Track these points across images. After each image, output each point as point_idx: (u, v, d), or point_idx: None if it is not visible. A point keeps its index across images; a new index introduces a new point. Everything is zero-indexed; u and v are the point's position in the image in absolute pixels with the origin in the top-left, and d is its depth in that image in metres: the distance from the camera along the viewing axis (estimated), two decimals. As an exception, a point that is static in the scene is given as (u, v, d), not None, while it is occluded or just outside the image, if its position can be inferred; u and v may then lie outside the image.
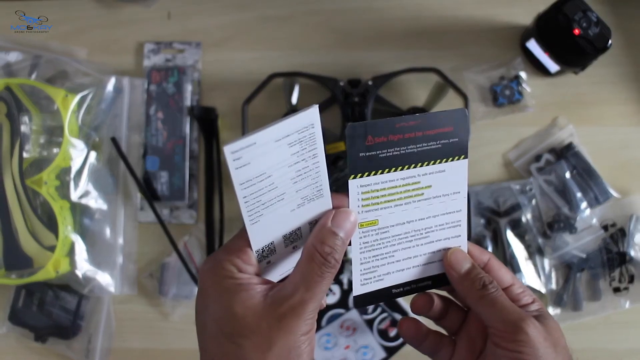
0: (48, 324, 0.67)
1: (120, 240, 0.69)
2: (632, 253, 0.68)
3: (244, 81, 0.71)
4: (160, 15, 0.73)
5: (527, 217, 0.68)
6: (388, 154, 0.38)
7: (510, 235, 0.68)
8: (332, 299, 0.69)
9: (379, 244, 0.41)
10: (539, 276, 0.68)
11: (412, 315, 0.45)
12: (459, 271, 0.41)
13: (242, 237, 0.38)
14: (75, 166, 0.67)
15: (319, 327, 0.69)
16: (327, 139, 0.69)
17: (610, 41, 0.63)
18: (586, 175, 0.68)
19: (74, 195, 0.67)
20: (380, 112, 0.69)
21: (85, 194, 0.68)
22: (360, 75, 0.69)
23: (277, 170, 0.36)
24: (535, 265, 0.68)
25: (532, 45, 0.69)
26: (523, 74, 0.71)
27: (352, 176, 0.38)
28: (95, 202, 0.68)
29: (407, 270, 0.42)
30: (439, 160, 0.40)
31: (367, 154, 0.37)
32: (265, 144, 0.34)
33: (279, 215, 0.37)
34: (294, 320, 0.35)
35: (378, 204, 0.39)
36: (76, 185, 0.67)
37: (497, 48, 0.72)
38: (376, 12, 0.73)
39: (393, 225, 0.40)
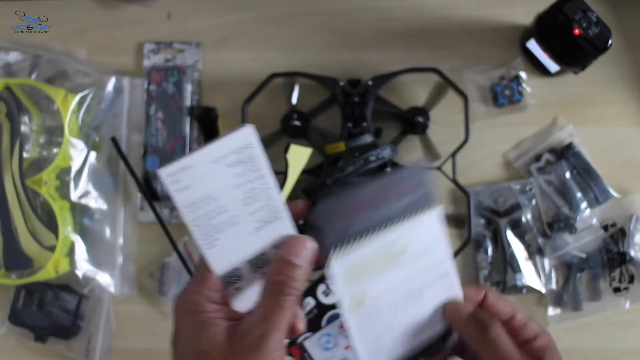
0: (48, 324, 0.67)
1: (120, 240, 0.69)
2: (632, 253, 0.68)
3: (244, 81, 0.71)
4: (160, 15, 0.73)
5: (527, 217, 0.68)
6: (358, 225, 0.37)
7: (510, 235, 0.68)
8: (332, 299, 0.69)
9: (375, 319, 0.39)
10: (539, 276, 0.68)
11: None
12: (462, 319, 0.40)
13: (205, 265, 0.37)
14: (75, 166, 0.67)
15: (319, 328, 0.69)
16: (327, 139, 0.69)
17: (610, 41, 0.63)
18: (586, 175, 0.68)
19: (74, 195, 0.67)
20: (380, 112, 0.69)
21: (85, 194, 0.68)
22: (360, 75, 0.69)
23: (222, 192, 0.35)
24: (535, 265, 0.68)
25: (532, 45, 0.69)
26: (523, 74, 0.71)
27: (334, 258, 0.37)
28: (95, 202, 0.68)
29: (413, 335, 0.41)
30: (410, 217, 0.39)
31: (338, 229, 0.37)
32: (202, 166, 0.34)
33: (237, 239, 0.36)
34: (258, 355, 0.34)
35: (364, 276, 0.38)
36: (76, 185, 0.67)
37: (497, 48, 0.72)
38: (376, 12, 0.73)
39: (384, 295, 0.39)
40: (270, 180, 0.36)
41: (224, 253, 0.37)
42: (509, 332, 0.39)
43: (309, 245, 0.37)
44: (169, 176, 0.34)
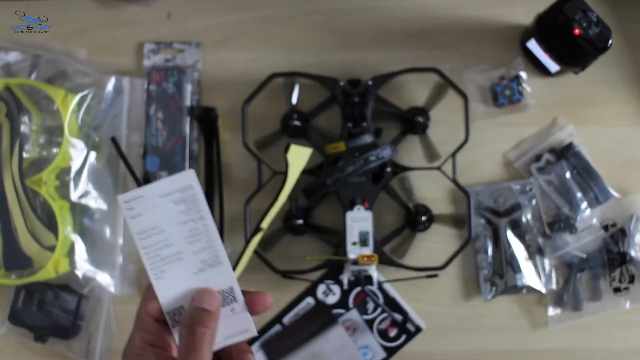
0: (48, 324, 0.67)
1: (120, 240, 0.69)
2: (633, 253, 0.67)
3: (244, 81, 0.71)
4: (160, 15, 0.73)
5: (527, 217, 0.68)
6: None
7: (510, 235, 0.68)
8: (332, 299, 0.69)
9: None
10: (539, 276, 0.68)
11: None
12: None
13: (144, 308, 0.39)
14: (75, 166, 0.67)
15: (319, 327, 0.69)
16: (327, 139, 0.69)
17: (610, 41, 0.63)
18: (586, 175, 0.68)
19: (74, 195, 0.67)
20: (380, 112, 0.69)
21: (85, 194, 0.68)
22: (360, 75, 0.69)
23: (169, 226, 0.39)
24: (535, 265, 0.68)
25: (532, 45, 0.69)
26: (523, 74, 0.71)
27: None
28: (95, 202, 0.68)
29: None
30: None
31: None
32: (152, 197, 0.39)
33: (182, 276, 0.40)
34: None
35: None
36: (76, 185, 0.67)
37: (497, 48, 0.72)
38: (376, 12, 0.73)
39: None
40: (210, 223, 0.40)
41: (171, 287, 0.40)
42: None
43: (217, 295, 0.40)
44: (126, 202, 0.38)
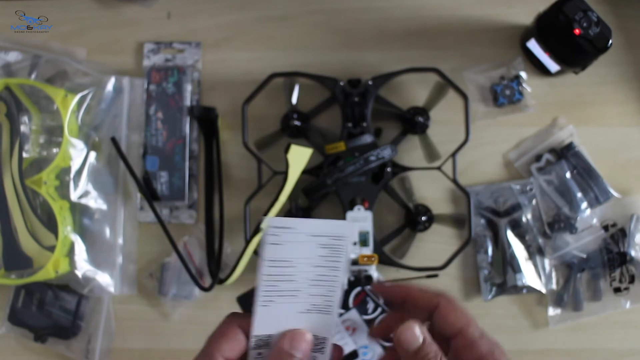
0: (48, 324, 0.67)
1: (120, 240, 0.69)
2: (633, 253, 0.67)
3: (244, 81, 0.71)
4: (160, 15, 0.73)
5: (527, 217, 0.68)
6: None
7: (510, 235, 0.68)
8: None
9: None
10: (539, 276, 0.68)
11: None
12: (407, 350, 0.38)
13: (216, 344, 0.37)
14: (75, 166, 0.67)
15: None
16: (327, 139, 0.69)
17: (610, 41, 0.63)
18: (586, 175, 0.68)
19: (74, 195, 0.67)
20: (380, 112, 0.69)
21: (85, 194, 0.68)
22: (360, 75, 0.69)
23: (302, 264, 0.38)
24: (535, 265, 0.68)
25: (533, 45, 0.69)
26: (523, 74, 0.71)
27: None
28: (95, 202, 0.68)
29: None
30: None
31: None
32: (301, 233, 0.38)
33: (287, 310, 0.39)
34: None
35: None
36: (76, 185, 0.67)
37: (497, 48, 0.72)
38: (376, 12, 0.73)
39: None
40: (341, 277, 0.39)
41: (271, 317, 0.39)
42: (457, 349, 0.38)
43: (308, 339, 0.38)
44: (273, 228, 0.37)
